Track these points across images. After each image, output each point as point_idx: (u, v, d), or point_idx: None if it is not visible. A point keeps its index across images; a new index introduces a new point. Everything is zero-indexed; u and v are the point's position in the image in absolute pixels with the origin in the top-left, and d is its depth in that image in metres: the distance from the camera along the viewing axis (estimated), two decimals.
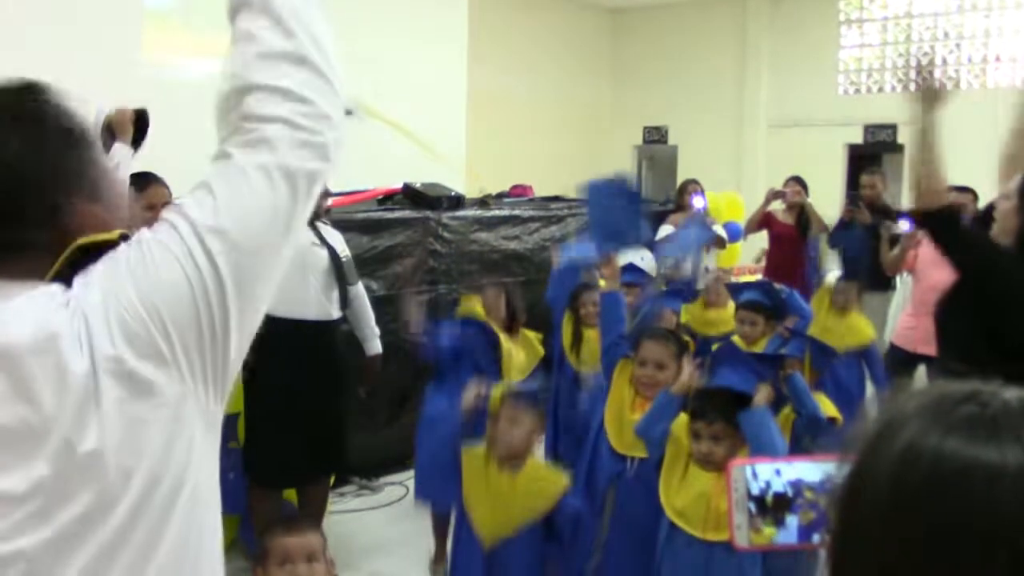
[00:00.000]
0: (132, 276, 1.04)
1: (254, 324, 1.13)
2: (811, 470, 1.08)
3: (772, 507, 1.07)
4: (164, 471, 1.03)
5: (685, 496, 2.80)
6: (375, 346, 4.36)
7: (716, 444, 2.77)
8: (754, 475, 1.08)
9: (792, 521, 1.06)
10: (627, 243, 3.49)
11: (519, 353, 4.25)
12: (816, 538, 1.07)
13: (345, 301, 4.07)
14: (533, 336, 4.46)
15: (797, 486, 1.07)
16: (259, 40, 1.12)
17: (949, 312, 2.93)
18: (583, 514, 2.97)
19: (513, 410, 2.95)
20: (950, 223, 2.84)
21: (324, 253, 3.96)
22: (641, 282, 4.77)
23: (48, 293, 1.05)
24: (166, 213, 1.10)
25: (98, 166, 1.16)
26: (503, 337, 4.20)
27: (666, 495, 2.85)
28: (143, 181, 3.66)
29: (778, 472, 1.08)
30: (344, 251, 4.14)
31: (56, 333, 1.00)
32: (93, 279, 1.05)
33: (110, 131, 3.37)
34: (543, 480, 2.95)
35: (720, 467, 2.74)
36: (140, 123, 3.43)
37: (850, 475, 0.74)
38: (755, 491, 1.07)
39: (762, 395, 2.82)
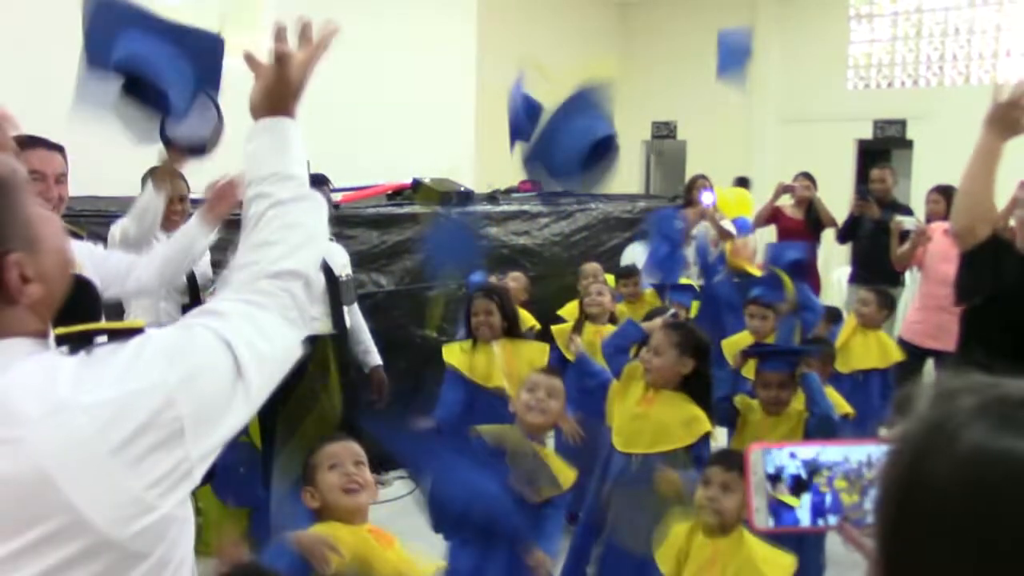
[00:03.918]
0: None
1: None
2: (826, 453, 1.09)
3: (788, 487, 1.08)
4: None
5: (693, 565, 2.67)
6: (374, 359, 4.37)
7: (724, 493, 2.59)
8: (771, 458, 1.09)
9: (807, 502, 1.07)
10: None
11: (516, 360, 3.90)
12: (831, 521, 1.07)
13: (340, 319, 4.05)
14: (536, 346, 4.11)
15: (811, 466, 1.08)
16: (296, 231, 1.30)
17: (976, 313, 2.84)
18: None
19: (550, 380, 3.09)
20: (997, 251, 2.64)
21: (320, 276, 3.94)
22: (687, 304, 4.81)
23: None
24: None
25: (27, 216, 1.13)
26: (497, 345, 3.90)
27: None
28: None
29: (792, 455, 1.09)
30: (345, 269, 4.13)
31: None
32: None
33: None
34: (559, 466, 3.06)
35: (723, 527, 2.61)
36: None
37: (902, 476, 0.73)
38: (771, 471, 1.08)
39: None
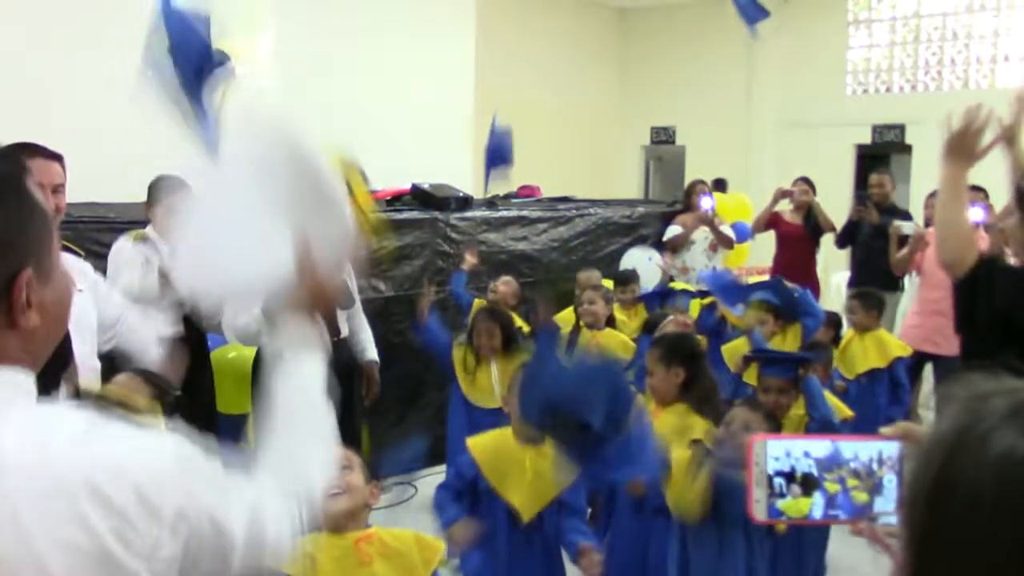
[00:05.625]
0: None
1: None
2: (833, 448, 1.09)
3: (800, 484, 1.08)
4: None
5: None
6: (370, 354, 4.37)
7: (745, 432, 2.59)
8: (786, 453, 1.08)
9: (819, 498, 1.07)
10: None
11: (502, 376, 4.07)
12: (839, 515, 1.07)
13: (334, 325, 4.04)
14: None
15: (821, 463, 1.07)
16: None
17: (976, 325, 2.82)
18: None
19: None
20: (990, 272, 2.57)
21: None
22: (686, 307, 4.85)
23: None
24: None
25: (51, 250, 1.12)
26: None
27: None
28: (167, 185, 3.66)
29: (807, 453, 1.08)
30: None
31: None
32: None
33: None
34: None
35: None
36: None
37: (933, 477, 0.74)
38: (785, 468, 1.07)
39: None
